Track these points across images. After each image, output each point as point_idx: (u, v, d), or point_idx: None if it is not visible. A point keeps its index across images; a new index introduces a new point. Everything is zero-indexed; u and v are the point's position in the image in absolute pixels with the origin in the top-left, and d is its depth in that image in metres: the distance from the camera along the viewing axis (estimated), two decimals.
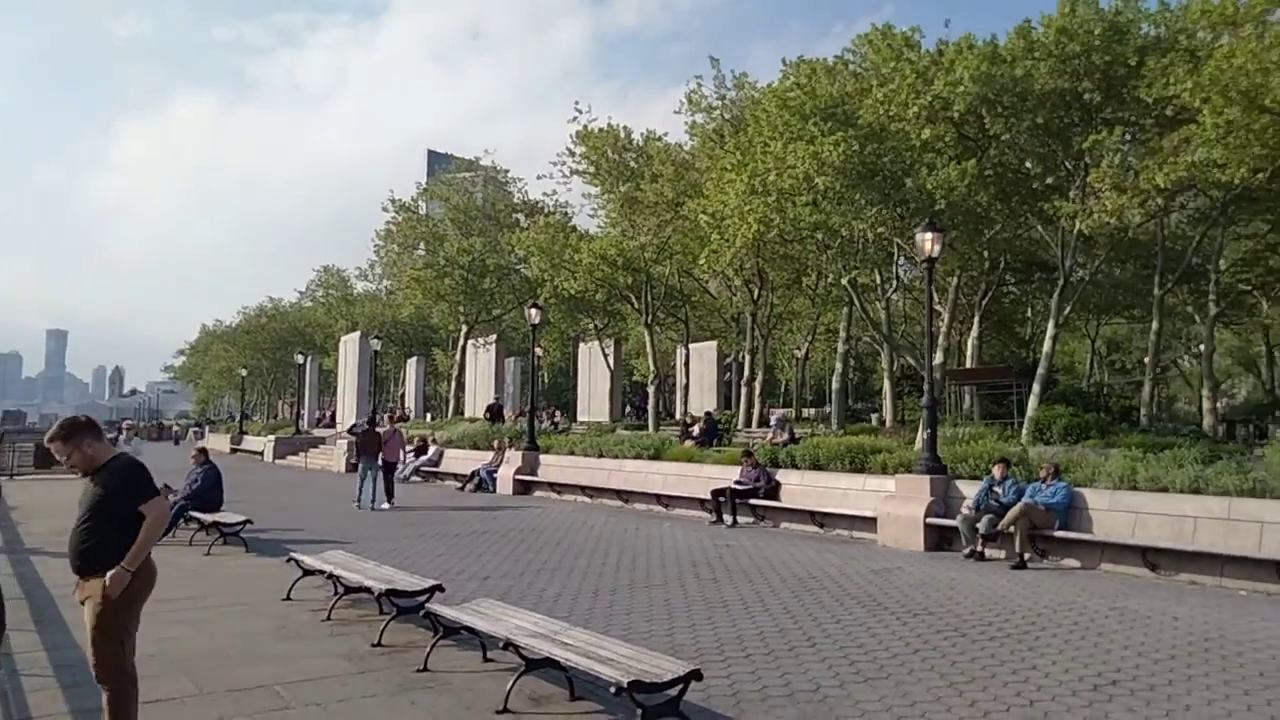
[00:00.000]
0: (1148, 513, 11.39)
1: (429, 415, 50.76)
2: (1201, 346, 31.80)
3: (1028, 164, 24.47)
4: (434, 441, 30.04)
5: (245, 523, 13.21)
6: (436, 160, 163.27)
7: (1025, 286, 35.05)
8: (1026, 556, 11.73)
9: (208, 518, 13.57)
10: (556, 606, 8.84)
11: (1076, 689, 6.18)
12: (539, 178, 50.78)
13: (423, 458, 28.59)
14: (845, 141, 20.54)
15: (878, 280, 27.73)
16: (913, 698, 5.99)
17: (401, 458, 23.39)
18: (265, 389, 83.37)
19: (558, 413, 38.65)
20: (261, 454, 43.83)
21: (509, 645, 5.87)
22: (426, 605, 7.17)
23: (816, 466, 16.47)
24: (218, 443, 51.68)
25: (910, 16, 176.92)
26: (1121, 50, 20.89)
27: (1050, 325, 24.07)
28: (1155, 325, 27.35)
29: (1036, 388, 23.27)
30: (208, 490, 14.59)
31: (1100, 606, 9.06)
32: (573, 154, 34.17)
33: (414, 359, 55.41)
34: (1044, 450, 16.35)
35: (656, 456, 20.40)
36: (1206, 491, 11.12)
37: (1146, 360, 29.98)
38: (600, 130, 33.42)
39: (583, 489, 21.14)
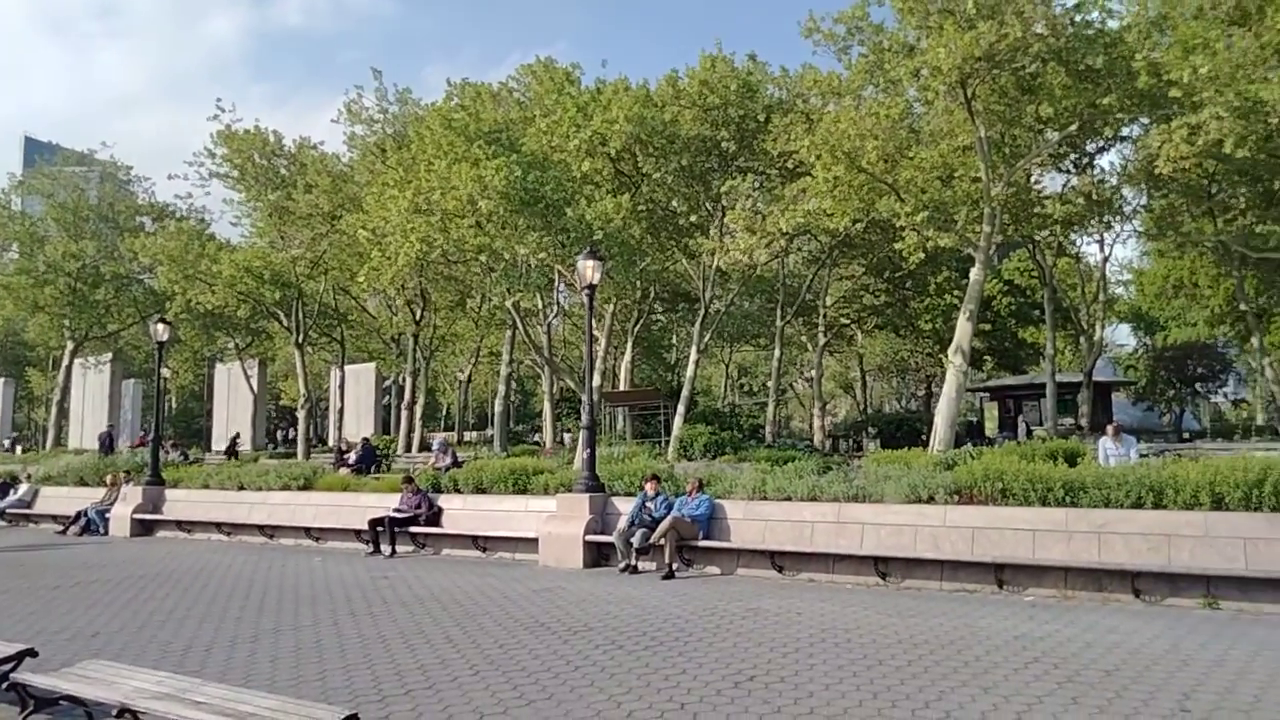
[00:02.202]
0: (774, 519, 12.70)
1: (18, 448, 42.84)
2: (813, 371, 36.57)
3: (675, 202, 26.59)
4: (26, 478, 25.36)
5: None
6: (36, 149, 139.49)
7: (672, 315, 37.99)
8: (675, 567, 12.51)
9: None
10: (186, 660, 7.76)
11: (720, 687, 6.61)
12: (170, 178, 45.58)
13: (9, 498, 23.99)
14: (509, 167, 20.82)
15: (540, 305, 28.40)
16: (574, 715, 6.03)
17: None
18: None
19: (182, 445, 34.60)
20: None
21: (125, 712, 4.99)
22: (11, 676, 5.90)
23: (480, 490, 16.31)
24: None
25: (585, 52, 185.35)
26: (752, 106, 23.50)
27: (693, 351, 26.24)
28: (777, 352, 30.94)
29: (681, 409, 25.19)
30: None
31: (737, 609, 9.87)
32: (213, 155, 31.11)
33: (0, 380, 46.73)
34: (689, 466, 17.67)
35: (307, 486, 18.95)
36: (822, 499, 12.65)
37: (770, 383, 33.84)
38: (246, 132, 30.79)
39: (219, 526, 19.04)
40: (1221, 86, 17.33)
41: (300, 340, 32.62)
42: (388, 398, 42.19)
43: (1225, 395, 50.51)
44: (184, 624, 9.68)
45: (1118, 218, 27.34)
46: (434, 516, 16.07)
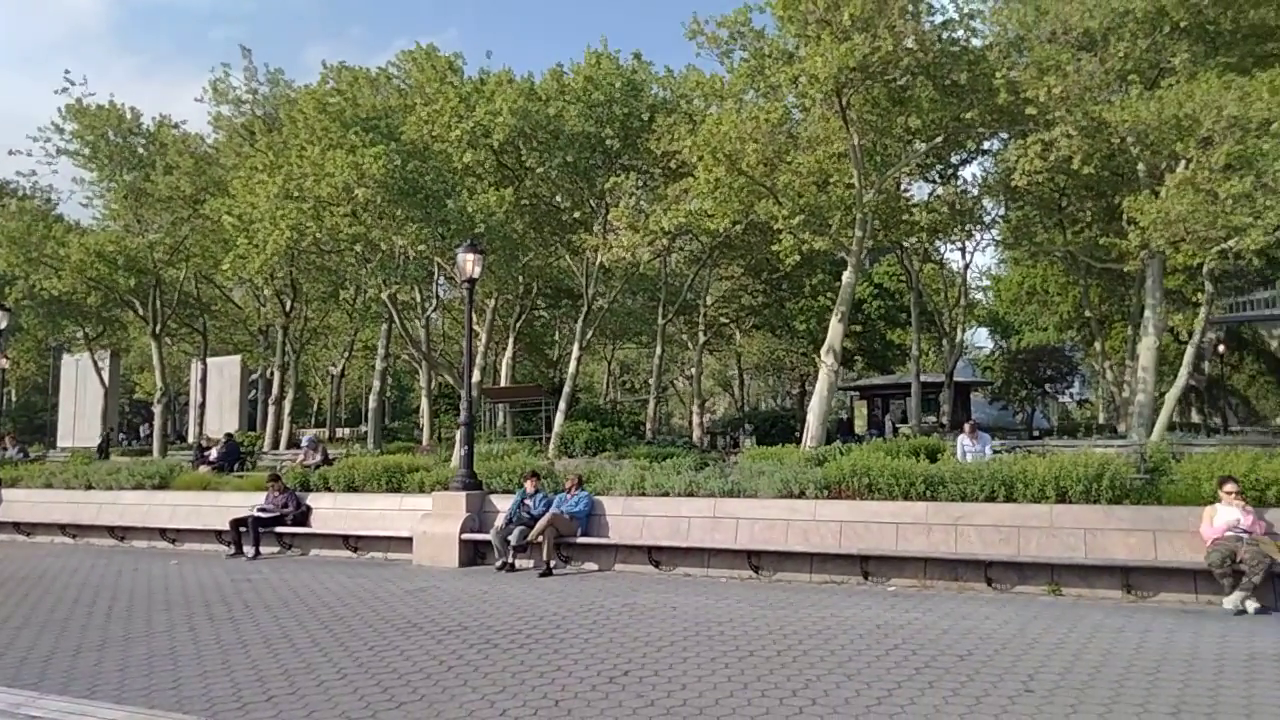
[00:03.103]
0: (652, 515, 12.82)
1: None
2: (692, 369, 37.15)
3: (559, 198, 26.47)
4: None
5: None
6: None
7: (555, 311, 37.81)
8: (552, 564, 12.46)
9: None
10: (22, 673, 7.18)
11: (595, 683, 6.62)
12: (11, 154, 42.15)
13: None
14: (387, 155, 20.24)
15: (418, 298, 27.75)
16: (446, 715, 5.92)
17: None
18: None
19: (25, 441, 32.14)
20: None
21: None
22: None
23: (351, 488, 15.81)
24: None
25: (475, 41, 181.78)
26: (637, 105, 23.63)
27: (575, 348, 26.19)
28: (659, 350, 31.27)
29: (563, 405, 25.12)
30: None
31: (614, 604, 9.92)
32: (61, 131, 28.95)
33: None
34: (569, 463, 17.63)
35: (163, 485, 17.91)
36: (698, 494, 12.86)
37: (651, 381, 34.16)
38: (99, 107, 28.81)
39: (63, 528, 17.76)
40: (1071, 107, 18.55)
41: (158, 331, 30.78)
42: (254, 392, 40.32)
43: (1071, 396, 54.28)
44: (20, 633, 8.98)
45: (978, 227, 28.94)
46: (302, 516, 15.47)
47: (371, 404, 31.16)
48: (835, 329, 21.00)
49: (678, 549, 12.31)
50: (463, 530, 13.53)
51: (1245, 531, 9.28)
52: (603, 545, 12.88)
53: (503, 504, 13.71)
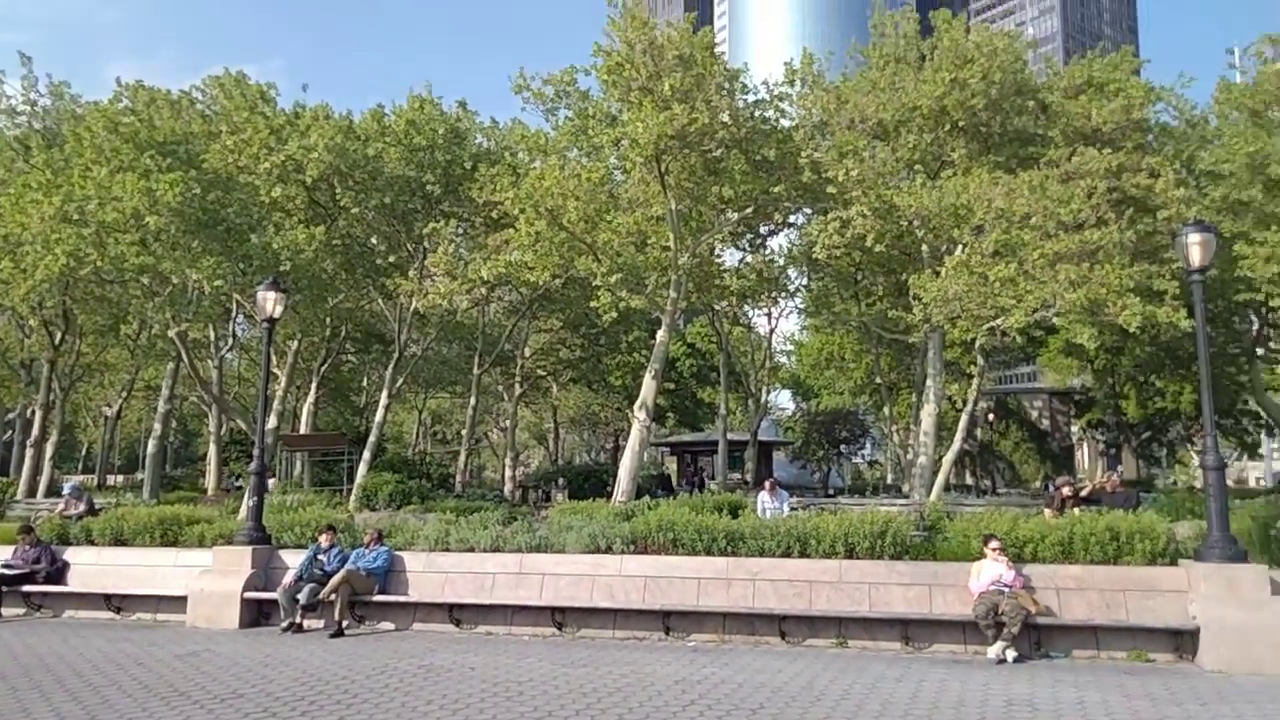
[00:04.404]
0: (456, 572, 12.41)
1: None
2: (507, 421, 36.73)
3: (374, 240, 25.69)
4: None
5: None
6: None
7: (364, 356, 36.40)
8: (345, 624, 11.74)
9: None
10: None
11: None
12: None
13: None
14: (186, 183, 18.98)
15: (212, 336, 25.92)
16: None
17: None
18: None
19: None
20: None
21: None
22: None
23: (119, 542, 14.29)
24: None
25: (302, 76, 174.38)
26: (460, 153, 23.48)
27: (384, 395, 25.26)
28: (473, 401, 30.72)
29: (367, 455, 24.06)
30: None
31: (410, 666, 9.45)
32: None
33: None
34: (370, 516, 16.83)
35: None
36: (505, 549, 12.58)
37: (464, 432, 33.43)
38: None
39: None
40: (866, 189, 20.19)
41: None
42: (10, 433, 36.01)
43: (863, 456, 58.08)
44: None
45: (783, 294, 30.64)
46: (57, 573, 13.79)
47: (150, 449, 28.56)
48: (649, 385, 21.45)
49: (480, 606, 11.95)
50: (246, 588, 12.52)
51: (1006, 586, 10.14)
52: (401, 603, 12.29)
53: (294, 560, 12.82)
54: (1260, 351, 29.96)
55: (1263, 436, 41.49)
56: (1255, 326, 29.06)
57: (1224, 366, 30.37)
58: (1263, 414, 32.56)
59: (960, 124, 21.69)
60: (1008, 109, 22.00)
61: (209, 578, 12.78)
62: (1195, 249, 11.01)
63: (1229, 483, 37.48)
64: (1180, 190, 20.40)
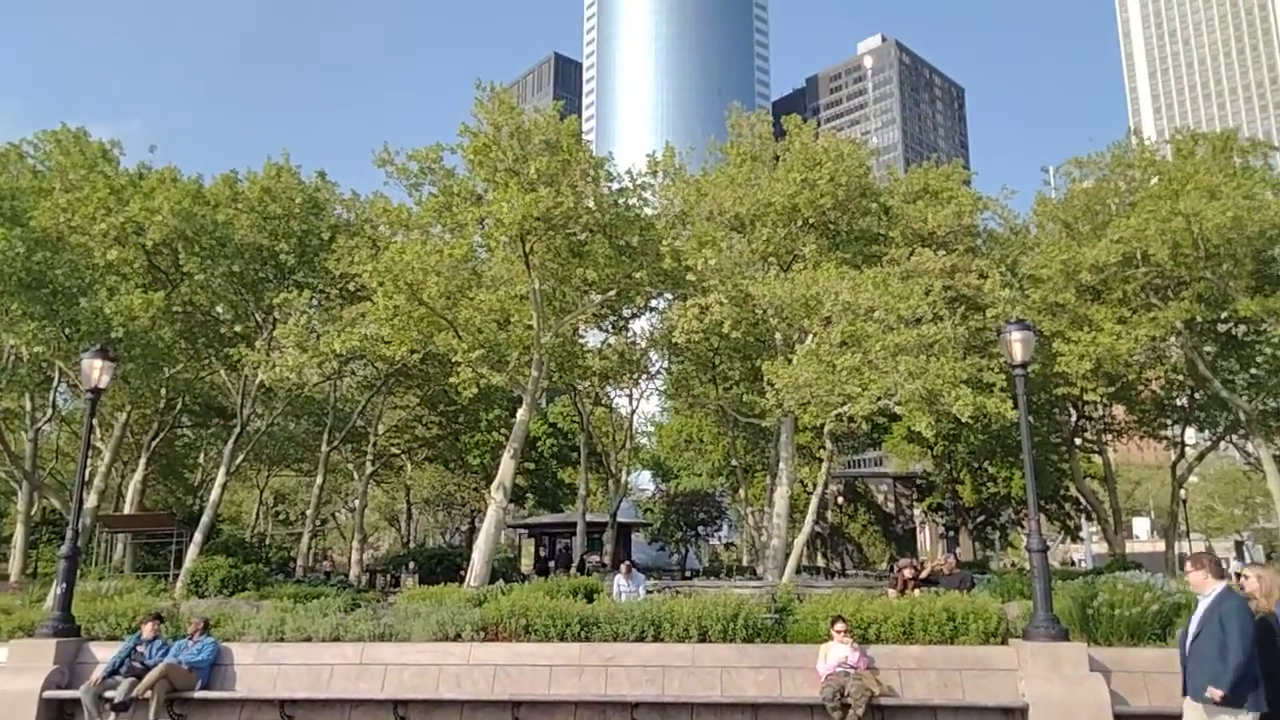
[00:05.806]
0: (290, 664, 11.57)
1: None
2: (357, 501, 35.15)
3: (220, 308, 24.47)
4: None
5: None
6: None
7: (201, 430, 34.19)
8: None
9: None
10: None
11: None
12: None
13: None
14: (10, 240, 17.62)
15: (28, 406, 23.79)
16: None
17: None
18: None
19: None
20: None
21: None
22: None
23: None
24: None
25: (159, 138, 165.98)
26: (317, 223, 22.89)
27: (221, 473, 23.75)
28: (320, 479, 29.31)
29: (199, 537, 22.42)
30: None
31: None
32: None
33: None
34: (198, 604, 15.54)
35: None
36: (345, 639, 11.86)
37: (309, 512, 31.71)
38: None
39: None
40: (724, 278, 20.94)
41: None
42: None
43: (720, 538, 58.68)
44: None
45: (644, 376, 31.07)
46: None
47: None
48: (507, 465, 21.08)
49: (316, 701, 11.15)
50: (46, 686, 11.23)
51: (852, 667, 10.35)
52: (227, 700, 11.32)
53: (106, 653, 11.65)
54: (1078, 441, 32.50)
55: (1083, 520, 44.60)
56: (1073, 418, 31.56)
57: (1047, 454, 32.71)
58: (1082, 499, 35.10)
59: (811, 221, 22.99)
60: (853, 209, 23.51)
61: (3, 676, 11.42)
62: (1017, 345, 11.95)
63: (1056, 564, 40.12)
64: (1005, 291, 22.18)
